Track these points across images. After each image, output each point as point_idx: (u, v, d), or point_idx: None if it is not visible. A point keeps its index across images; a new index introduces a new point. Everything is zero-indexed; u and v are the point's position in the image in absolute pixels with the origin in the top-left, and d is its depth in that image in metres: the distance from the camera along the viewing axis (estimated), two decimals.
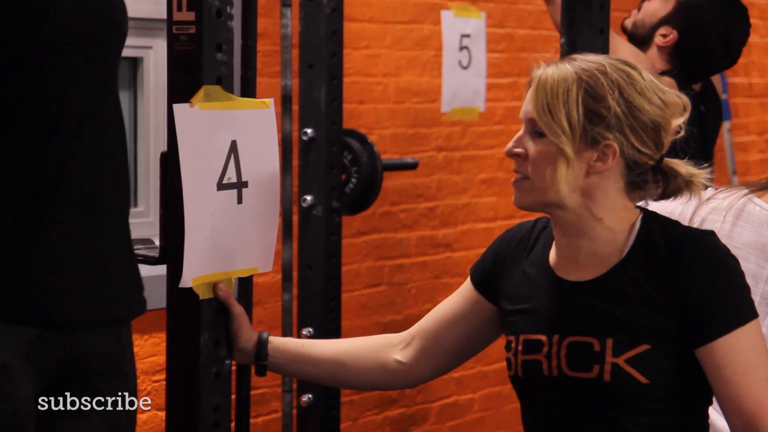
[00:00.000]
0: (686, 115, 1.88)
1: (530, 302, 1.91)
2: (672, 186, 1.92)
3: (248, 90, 2.18)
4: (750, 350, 1.82)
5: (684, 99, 1.89)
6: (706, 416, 1.92)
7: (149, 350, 2.82)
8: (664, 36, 3.00)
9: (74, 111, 1.85)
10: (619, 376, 1.80)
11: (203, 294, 1.88)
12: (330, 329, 2.83)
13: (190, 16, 1.86)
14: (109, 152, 1.91)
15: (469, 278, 2.03)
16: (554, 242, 1.93)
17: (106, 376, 1.90)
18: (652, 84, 1.86)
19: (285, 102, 2.72)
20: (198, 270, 1.86)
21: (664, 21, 2.99)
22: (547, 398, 1.88)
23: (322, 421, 2.81)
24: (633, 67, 1.88)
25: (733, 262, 1.85)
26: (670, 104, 1.86)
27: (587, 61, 1.88)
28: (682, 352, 1.83)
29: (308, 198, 2.78)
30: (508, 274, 1.97)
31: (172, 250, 1.85)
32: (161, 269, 1.92)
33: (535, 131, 1.85)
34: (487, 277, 2.00)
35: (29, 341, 1.79)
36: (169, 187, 1.84)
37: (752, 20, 3.24)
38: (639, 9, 3.04)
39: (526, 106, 1.87)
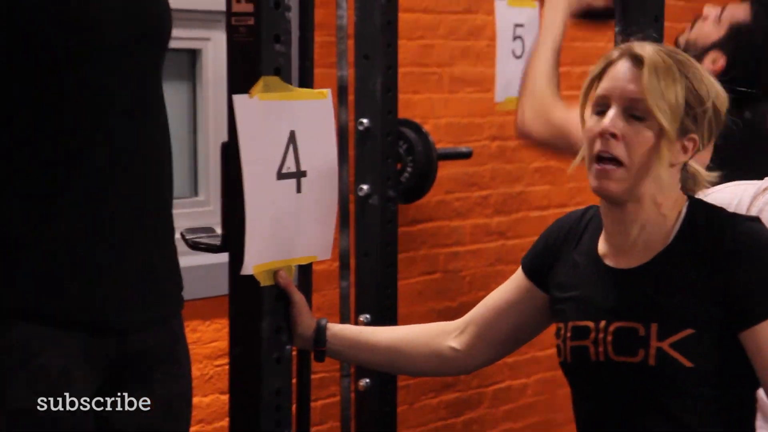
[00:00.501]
0: None
1: (578, 290, 1.91)
2: (691, 183, 1.93)
3: (306, 81, 2.19)
4: None
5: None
6: (753, 400, 1.90)
7: (211, 336, 2.84)
8: (714, 62, 2.96)
9: (119, 107, 1.83)
10: (664, 360, 1.80)
11: (264, 281, 1.90)
12: (386, 315, 2.84)
13: (249, 7, 1.88)
14: (155, 147, 1.90)
15: (520, 267, 2.03)
16: (603, 230, 1.93)
17: (160, 365, 1.90)
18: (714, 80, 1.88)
19: (341, 92, 2.73)
20: (259, 258, 1.88)
21: (715, 45, 2.95)
22: (595, 383, 1.89)
23: (379, 405, 2.83)
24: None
25: None
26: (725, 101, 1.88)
27: (677, 53, 1.87)
28: (726, 337, 1.82)
29: (364, 187, 2.79)
30: (558, 264, 1.97)
31: (233, 239, 1.88)
32: (223, 257, 1.95)
33: (634, 114, 1.81)
34: (539, 266, 2.01)
35: (86, 345, 1.79)
36: (229, 176, 1.86)
37: None
38: (692, 26, 2.99)
39: (627, 84, 1.81)
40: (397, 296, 2.88)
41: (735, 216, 1.92)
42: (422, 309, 3.40)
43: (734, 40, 2.91)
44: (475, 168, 3.50)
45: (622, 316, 1.84)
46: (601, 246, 1.92)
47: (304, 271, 2.13)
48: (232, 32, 1.90)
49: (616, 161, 1.79)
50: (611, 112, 1.80)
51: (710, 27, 2.96)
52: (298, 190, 1.91)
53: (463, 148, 3.28)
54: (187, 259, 2.58)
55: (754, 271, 1.83)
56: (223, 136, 1.90)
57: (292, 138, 1.90)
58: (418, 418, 3.45)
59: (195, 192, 3.05)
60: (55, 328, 1.76)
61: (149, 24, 1.87)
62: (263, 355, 1.90)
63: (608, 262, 1.90)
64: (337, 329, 2.07)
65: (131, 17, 1.82)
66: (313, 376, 2.45)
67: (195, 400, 2.85)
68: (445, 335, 2.07)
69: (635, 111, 1.79)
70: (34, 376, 1.73)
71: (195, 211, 2.97)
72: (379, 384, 2.80)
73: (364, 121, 2.78)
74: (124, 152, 1.82)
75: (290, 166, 1.90)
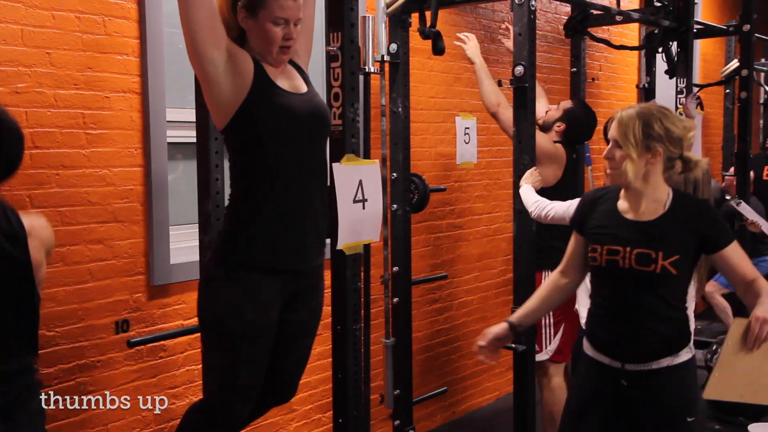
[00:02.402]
0: (694, 132, 1.80)
1: (610, 229, 1.80)
2: (686, 167, 1.83)
3: (367, 156, 2.17)
4: (740, 251, 1.77)
5: (692, 124, 1.82)
6: (687, 291, 1.82)
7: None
8: (558, 127, 2.91)
9: (309, 161, 1.77)
10: (664, 270, 1.72)
11: (348, 251, 1.87)
12: (405, 267, 2.79)
13: (340, 121, 1.86)
14: (323, 177, 1.83)
15: (574, 229, 1.93)
16: (623, 199, 1.82)
17: (311, 291, 1.84)
18: (676, 118, 1.77)
19: (383, 161, 2.71)
20: (344, 240, 1.86)
21: (558, 120, 2.91)
22: (620, 279, 1.77)
23: (402, 310, 2.78)
24: (668, 109, 1.79)
25: (721, 215, 1.82)
26: (687, 128, 1.78)
27: (642, 106, 1.80)
28: (693, 259, 1.77)
29: (395, 206, 2.75)
30: (593, 215, 1.86)
31: (332, 231, 1.85)
32: (328, 240, 1.92)
33: (617, 145, 1.76)
34: (579, 221, 1.90)
35: (280, 284, 1.73)
36: (331, 202, 1.84)
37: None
38: (546, 113, 2.95)
39: (612, 132, 1.77)
40: (411, 257, 2.83)
41: (695, 196, 1.84)
42: (422, 263, 3.37)
43: (567, 117, 2.89)
44: (446, 195, 3.46)
45: (641, 246, 1.74)
46: (621, 206, 1.82)
47: (366, 246, 2.10)
48: (332, 133, 1.89)
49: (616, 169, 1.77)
50: (608, 147, 1.79)
51: (554, 111, 2.94)
52: (363, 207, 1.89)
53: (441, 186, 3.26)
54: None
55: (714, 222, 1.76)
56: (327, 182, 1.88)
57: (360, 183, 1.88)
58: (422, 316, 3.41)
59: None
60: (267, 274, 1.71)
61: (321, 118, 1.79)
62: (348, 287, 1.88)
63: (628, 216, 1.80)
64: (515, 318, 1.94)
65: (312, 115, 1.76)
66: (370, 297, 2.42)
67: None
68: (558, 279, 1.95)
69: (618, 144, 1.76)
70: (258, 303, 1.70)
71: None
72: (403, 300, 2.77)
73: (395, 174, 2.74)
74: (307, 177, 1.75)
75: (359, 196, 1.88)
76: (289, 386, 1.88)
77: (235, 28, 1.74)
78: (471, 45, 2.88)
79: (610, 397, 1.81)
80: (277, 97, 1.70)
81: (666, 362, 1.74)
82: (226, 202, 1.80)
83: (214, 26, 1.64)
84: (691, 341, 1.81)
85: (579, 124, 2.90)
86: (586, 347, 1.87)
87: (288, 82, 1.77)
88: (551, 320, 2.78)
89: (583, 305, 2.40)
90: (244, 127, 1.68)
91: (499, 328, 1.89)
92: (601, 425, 1.83)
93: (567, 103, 2.92)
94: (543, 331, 2.78)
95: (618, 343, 1.78)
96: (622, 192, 1.82)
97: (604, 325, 1.81)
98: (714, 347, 1.77)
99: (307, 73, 1.88)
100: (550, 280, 1.98)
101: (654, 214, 1.77)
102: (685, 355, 1.77)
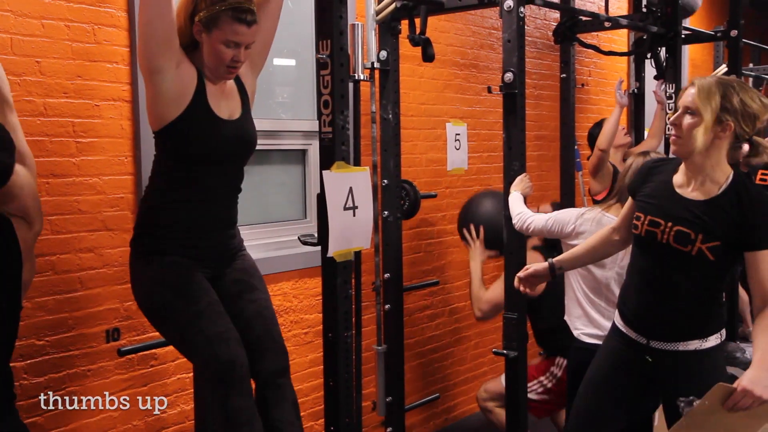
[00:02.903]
0: None
1: (658, 200, 1.77)
2: (754, 151, 1.78)
3: (357, 163, 2.18)
4: None
5: None
6: (726, 277, 1.77)
7: (313, 284, 2.81)
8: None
9: (226, 182, 1.89)
10: (700, 253, 1.68)
11: (339, 258, 1.88)
12: (397, 274, 2.80)
13: (330, 129, 1.87)
14: (236, 189, 1.94)
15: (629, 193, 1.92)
16: (680, 173, 1.76)
17: (234, 260, 1.95)
18: (755, 93, 1.72)
19: (374, 167, 2.72)
20: (335, 247, 1.87)
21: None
22: (655, 253, 1.75)
23: (394, 317, 2.78)
24: (746, 83, 1.74)
25: None
26: (764, 105, 1.72)
27: (720, 77, 1.74)
28: (733, 250, 1.70)
29: (386, 212, 2.76)
30: (648, 183, 1.83)
31: (323, 238, 1.86)
32: (318, 248, 1.93)
33: (689, 112, 1.69)
34: (633, 187, 1.89)
35: (199, 265, 1.84)
36: (321, 209, 1.85)
37: None
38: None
39: (686, 98, 1.71)
40: (402, 264, 2.83)
41: (757, 186, 1.78)
42: (414, 270, 3.37)
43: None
44: (438, 201, 3.47)
45: (682, 224, 1.71)
46: (676, 180, 1.78)
47: (357, 253, 2.11)
48: (322, 141, 1.89)
49: (680, 137, 1.72)
50: (676, 114, 1.73)
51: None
52: (354, 215, 1.90)
53: (432, 192, 3.27)
54: (302, 249, 2.57)
55: (762, 218, 1.68)
56: (318, 190, 1.88)
57: (350, 190, 1.89)
58: (413, 322, 3.42)
59: (305, 216, 3.01)
60: (187, 258, 1.83)
61: (247, 144, 1.92)
62: (338, 294, 1.88)
63: (680, 191, 1.76)
64: (557, 260, 2.01)
65: (238, 142, 1.89)
66: (363, 304, 2.42)
67: (306, 315, 2.82)
68: (611, 234, 1.97)
69: (690, 110, 1.70)
70: (179, 270, 1.81)
71: (305, 226, 2.95)
72: (394, 307, 2.78)
73: (385, 181, 2.75)
74: (222, 190, 1.89)
75: (350, 203, 1.88)
76: (265, 345, 1.88)
77: (188, 36, 1.83)
78: (475, 249, 2.86)
79: (634, 371, 1.80)
80: (208, 123, 1.82)
81: (694, 345, 1.72)
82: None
83: (170, 40, 1.73)
84: (723, 329, 1.78)
85: None
86: (616, 318, 1.87)
87: (224, 105, 1.87)
88: (546, 383, 2.82)
89: (575, 316, 2.39)
90: (172, 138, 1.80)
91: (540, 265, 1.94)
92: (621, 397, 1.82)
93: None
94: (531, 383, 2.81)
95: (645, 319, 1.77)
96: (682, 165, 1.78)
97: (634, 298, 1.81)
98: (681, 405, 1.70)
99: (253, 89, 1.98)
100: (601, 232, 2.00)
101: (707, 194, 1.72)
102: (713, 340, 1.75)
